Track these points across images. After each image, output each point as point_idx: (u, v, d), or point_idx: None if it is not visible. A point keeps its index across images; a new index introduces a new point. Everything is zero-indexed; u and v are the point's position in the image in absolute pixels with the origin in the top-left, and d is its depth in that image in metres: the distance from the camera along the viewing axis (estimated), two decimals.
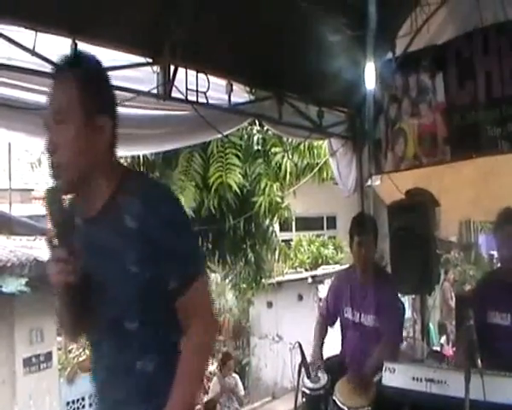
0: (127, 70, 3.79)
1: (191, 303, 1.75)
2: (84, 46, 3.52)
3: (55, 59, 3.40)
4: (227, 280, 9.39)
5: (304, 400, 4.08)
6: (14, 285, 6.42)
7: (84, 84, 1.68)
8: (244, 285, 8.93)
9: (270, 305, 12.28)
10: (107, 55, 3.71)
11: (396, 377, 3.56)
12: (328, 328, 4.52)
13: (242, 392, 8.79)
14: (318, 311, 4.71)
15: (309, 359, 4.05)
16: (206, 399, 8.65)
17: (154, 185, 1.91)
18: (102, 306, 1.75)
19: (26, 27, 3.30)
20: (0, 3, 3.06)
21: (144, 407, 1.77)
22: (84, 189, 1.74)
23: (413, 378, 3.49)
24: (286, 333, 11.76)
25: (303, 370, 4.01)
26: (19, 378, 7.46)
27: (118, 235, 1.71)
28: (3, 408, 7.25)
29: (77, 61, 1.81)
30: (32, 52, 3.34)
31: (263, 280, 8.70)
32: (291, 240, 13.21)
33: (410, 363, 3.86)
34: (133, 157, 6.92)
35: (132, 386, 1.75)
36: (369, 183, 5.78)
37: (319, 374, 4.03)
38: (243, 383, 9.87)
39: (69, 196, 1.79)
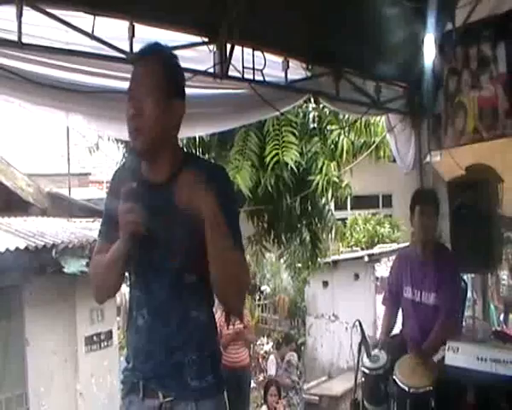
0: (183, 50, 3.78)
1: None
2: (140, 28, 3.56)
3: (113, 42, 3.48)
4: (282, 260, 9.38)
5: (363, 379, 4.06)
6: (75, 266, 6.54)
7: (169, 69, 2.01)
8: (299, 265, 8.90)
9: (325, 284, 12.23)
10: (162, 36, 3.74)
11: (460, 356, 3.52)
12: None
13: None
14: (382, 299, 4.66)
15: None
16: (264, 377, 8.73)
17: (213, 163, 2.39)
18: (166, 256, 1.98)
19: (86, 12, 3.35)
20: None
21: (197, 352, 2.00)
22: (154, 156, 2.00)
23: (478, 358, 3.44)
24: (342, 313, 11.72)
25: (363, 349, 3.99)
26: (81, 357, 7.62)
27: (185, 199, 1.93)
28: (67, 386, 7.43)
29: (164, 49, 2.12)
30: (92, 36, 3.38)
31: (319, 259, 8.64)
32: (346, 219, 13.07)
33: (475, 343, 3.78)
34: (189, 138, 6.94)
35: (187, 333, 1.99)
36: (427, 159, 5.65)
37: (379, 354, 4.00)
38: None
39: (141, 163, 2.06)
